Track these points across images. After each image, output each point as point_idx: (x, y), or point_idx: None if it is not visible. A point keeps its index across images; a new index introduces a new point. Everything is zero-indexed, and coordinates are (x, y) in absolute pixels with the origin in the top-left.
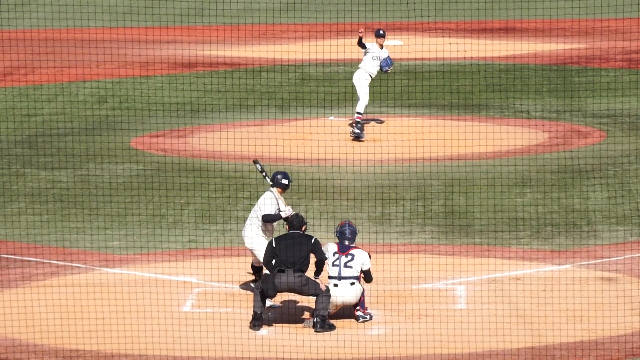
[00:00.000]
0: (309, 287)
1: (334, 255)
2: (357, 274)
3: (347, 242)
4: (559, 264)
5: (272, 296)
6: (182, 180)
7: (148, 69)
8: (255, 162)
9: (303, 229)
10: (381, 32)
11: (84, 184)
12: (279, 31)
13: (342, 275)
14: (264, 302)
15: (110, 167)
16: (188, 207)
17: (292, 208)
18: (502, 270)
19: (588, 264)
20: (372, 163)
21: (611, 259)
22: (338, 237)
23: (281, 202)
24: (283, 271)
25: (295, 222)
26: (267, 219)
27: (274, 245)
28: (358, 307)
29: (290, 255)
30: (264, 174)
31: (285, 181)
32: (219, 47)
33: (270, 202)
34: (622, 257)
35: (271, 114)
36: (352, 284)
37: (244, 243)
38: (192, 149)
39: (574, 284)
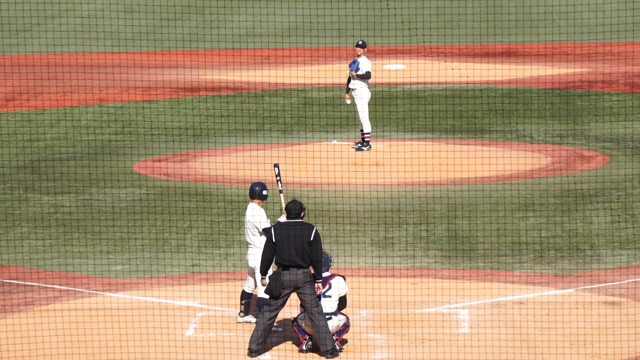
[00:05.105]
0: (309, 288)
1: None
2: (335, 304)
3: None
4: (562, 288)
5: (276, 296)
6: (185, 205)
7: (151, 93)
8: (276, 165)
9: (302, 215)
10: (359, 42)
11: (87, 208)
12: (281, 56)
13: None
14: (264, 339)
15: (113, 192)
16: (191, 231)
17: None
18: (505, 295)
19: (591, 288)
20: (375, 187)
21: (614, 283)
22: None
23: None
24: (287, 269)
25: (294, 208)
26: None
27: (273, 240)
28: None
29: (293, 253)
30: (278, 178)
31: (265, 192)
32: (222, 71)
33: (263, 217)
34: (626, 281)
35: (274, 138)
36: (330, 318)
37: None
38: (195, 173)
39: (578, 308)
